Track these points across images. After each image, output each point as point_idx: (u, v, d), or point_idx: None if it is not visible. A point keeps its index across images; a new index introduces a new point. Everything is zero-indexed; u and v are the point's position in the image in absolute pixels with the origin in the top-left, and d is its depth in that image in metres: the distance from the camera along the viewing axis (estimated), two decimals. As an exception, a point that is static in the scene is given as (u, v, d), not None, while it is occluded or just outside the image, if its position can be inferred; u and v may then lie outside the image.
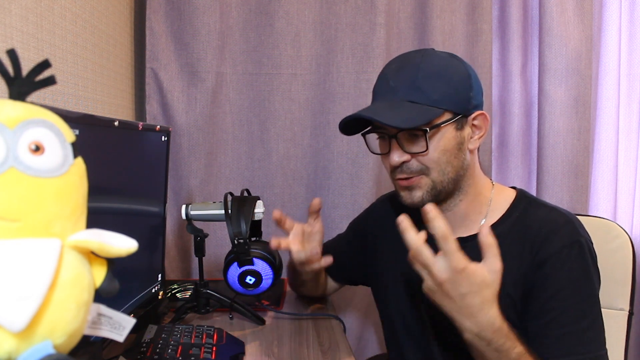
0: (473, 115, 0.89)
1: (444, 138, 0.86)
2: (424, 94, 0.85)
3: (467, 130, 0.89)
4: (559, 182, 1.53)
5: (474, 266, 0.72)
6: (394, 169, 0.89)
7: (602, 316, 0.84)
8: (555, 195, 1.52)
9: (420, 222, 1.01)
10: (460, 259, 0.71)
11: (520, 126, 1.62)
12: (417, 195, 0.89)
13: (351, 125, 0.92)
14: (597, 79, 1.62)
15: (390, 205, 1.11)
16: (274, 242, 0.99)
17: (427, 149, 0.85)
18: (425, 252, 0.73)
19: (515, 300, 0.87)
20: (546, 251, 0.85)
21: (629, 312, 1.05)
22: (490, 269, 0.72)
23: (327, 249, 1.22)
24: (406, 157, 0.87)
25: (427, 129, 0.84)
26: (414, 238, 0.74)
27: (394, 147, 0.87)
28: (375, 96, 0.92)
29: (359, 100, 1.50)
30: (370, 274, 1.13)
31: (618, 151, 1.63)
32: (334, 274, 1.22)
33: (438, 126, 0.85)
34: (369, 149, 0.96)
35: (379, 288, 1.11)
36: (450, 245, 0.71)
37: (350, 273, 1.20)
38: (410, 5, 1.55)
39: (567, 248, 0.84)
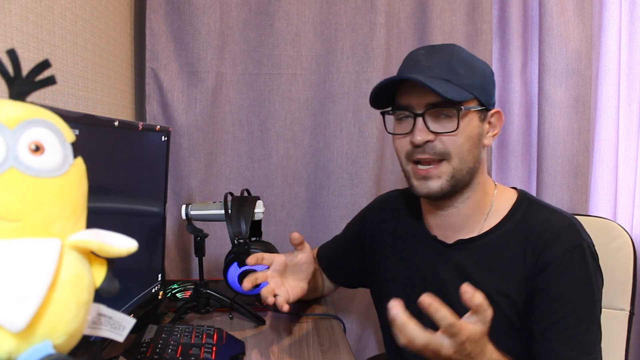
0: (492, 112, 0.91)
1: (470, 125, 0.86)
2: (458, 77, 0.85)
3: (486, 124, 0.90)
4: (559, 182, 1.53)
5: (472, 331, 0.69)
6: (413, 150, 0.86)
7: (600, 317, 0.85)
8: (555, 195, 1.52)
9: (419, 216, 1.01)
10: (463, 334, 0.68)
11: (520, 126, 1.62)
12: (435, 185, 0.87)
13: (379, 98, 0.90)
14: (597, 79, 1.62)
15: (389, 206, 1.10)
16: (246, 283, 0.93)
17: (457, 128, 0.84)
18: (432, 344, 0.69)
19: (517, 303, 0.87)
20: (548, 255, 0.85)
21: (629, 312, 1.05)
22: (484, 322, 0.70)
23: (324, 251, 1.22)
24: (431, 136, 0.85)
25: (462, 107, 0.84)
26: (420, 336, 0.69)
27: (418, 126, 0.85)
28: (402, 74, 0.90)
29: (359, 100, 1.50)
30: (369, 276, 1.12)
31: (618, 151, 1.63)
32: (331, 276, 1.21)
33: (469, 109, 0.85)
34: (386, 129, 0.94)
35: (377, 291, 1.11)
36: (456, 328, 0.67)
37: (348, 275, 1.19)
38: (410, 5, 1.55)
39: (570, 252, 0.84)
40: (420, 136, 0.84)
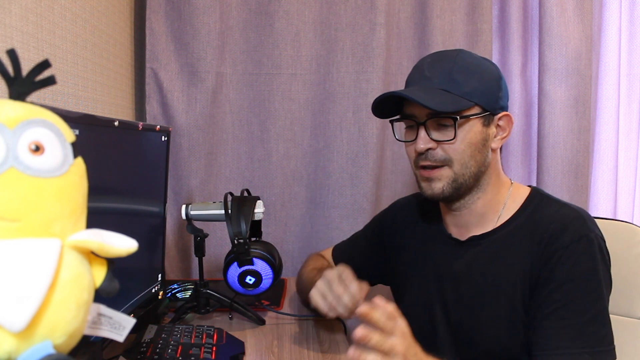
0: (499, 115, 0.92)
1: (471, 131, 0.89)
2: (457, 85, 0.88)
3: (492, 128, 0.92)
4: (559, 182, 1.53)
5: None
6: (418, 157, 0.91)
7: (607, 313, 0.84)
8: (555, 195, 1.52)
9: (438, 218, 1.01)
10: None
11: (520, 126, 1.62)
12: (438, 186, 0.90)
13: (382, 109, 0.94)
14: (597, 79, 1.62)
15: (408, 209, 1.12)
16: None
17: (455, 137, 0.87)
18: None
19: (524, 295, 0.88)
20: (554, 246, 0.85)
21: None
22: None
23: (340, 252, 1.22)
24: (432, 144, 0.88)
25: (457, 117, 0.86)
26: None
27: (421, 134, 0.89)
28: (408, 84, 0.95)
29: (359, 100, 1.50)
30: (388, 274, 1.13)
31: (618, 151, 1.63)
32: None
33: (467, 117, 0.88)
34: (395, 137, 0.98)
35: (396, 287, 1.12)
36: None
37: (365, 275, 1.18)
38: (410, 5, 1.55)
39: (575, 243, 0.84)
40: (422, 144, 0.89)
